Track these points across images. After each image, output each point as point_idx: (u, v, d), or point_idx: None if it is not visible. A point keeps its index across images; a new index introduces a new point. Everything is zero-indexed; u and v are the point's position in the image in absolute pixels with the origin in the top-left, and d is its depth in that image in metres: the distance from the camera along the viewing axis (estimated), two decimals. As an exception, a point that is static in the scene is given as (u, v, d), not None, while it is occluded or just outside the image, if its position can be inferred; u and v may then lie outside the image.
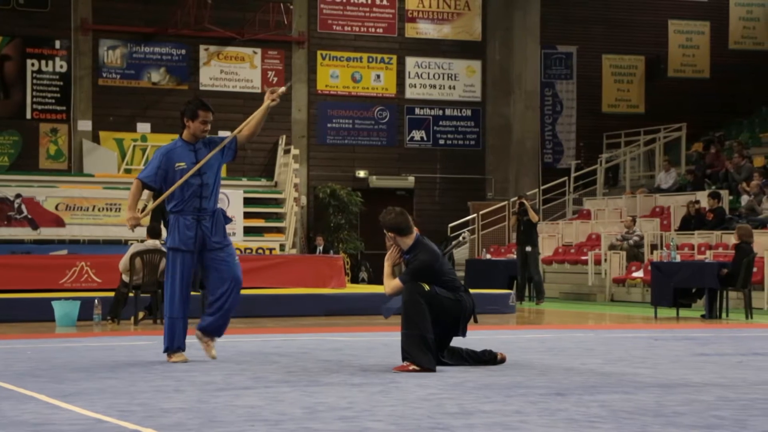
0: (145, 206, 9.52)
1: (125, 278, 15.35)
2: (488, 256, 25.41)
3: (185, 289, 9.21)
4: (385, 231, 8.81)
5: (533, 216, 21.82)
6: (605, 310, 20.50)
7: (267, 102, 9.34)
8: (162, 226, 21.78)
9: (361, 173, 29.08)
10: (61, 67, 26.92)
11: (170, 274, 9.25)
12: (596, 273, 23.78)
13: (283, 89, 9.45)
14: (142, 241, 16.23)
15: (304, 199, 28.21)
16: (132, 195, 9.36)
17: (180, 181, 9.11)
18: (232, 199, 24.43)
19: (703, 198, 24.09)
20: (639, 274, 22.38)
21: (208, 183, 9.20)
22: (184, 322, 9.24)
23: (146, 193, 9.77)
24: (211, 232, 9.19)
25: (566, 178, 29.47)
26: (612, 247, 23.72)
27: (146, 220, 17.77)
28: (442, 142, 29.89)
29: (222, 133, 28.58)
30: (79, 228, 24.88)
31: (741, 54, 32.37)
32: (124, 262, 15.36)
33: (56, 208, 24.77)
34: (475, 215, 28.53)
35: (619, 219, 25.59)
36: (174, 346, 9.23)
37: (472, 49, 30.08)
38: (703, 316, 16.88)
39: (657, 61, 31.62)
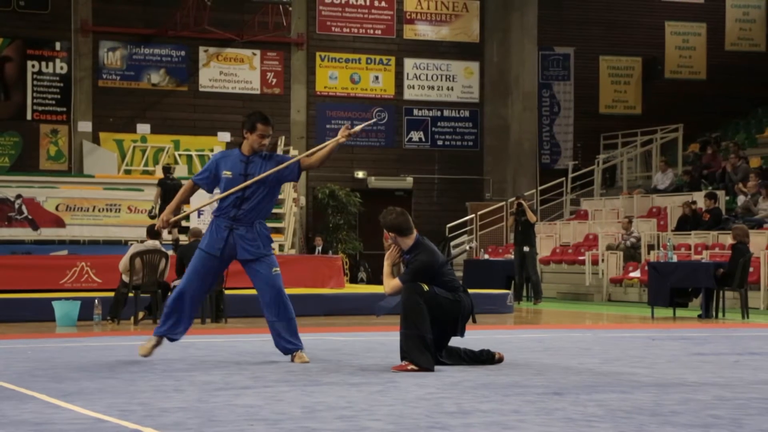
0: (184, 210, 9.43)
1: (125, 278, 15.35)
2: (486, 257, 25.42)
3: (193, 289, 9.15)
4: (385, 231, 8.81)
5: (531, 216, 21.82)
6: (602, 310, 20.51)
7: (339, 137, 9.18)
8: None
9: (360, 174, 29.09)
10: (62, 68, 26.93)
11: (187, 270, 9.31)
12: (593, 273, 23.79)
13: (359, 128, 9.34)
14: (142, 242, 16.23)
15: (303, 200, 28.22)
16: (179, 194, 9.37)
17: (217, 197, 9.10)
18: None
19: (699, 198, 24.10)
20: (636, 274, 22.39)
21: (249, 197, 9.04)
22: (178, 317, 9.18)
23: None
24: (245, 241, 9.05)
25: (564, 178, 29.49)
26: (609, 248, 23.73)
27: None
28: (440, 143, 29.90)
29: (220, 134, 28.78)
30: (79, 228, 24.87)
31: (737, 55, 32.40)
32: (124, 262, 15.36)
33: (56, 208, 24.76)
34: (473, 216, 28.54)
35: (616, 219, 25.60)
36: (156, 331, 9.27)
37: (470, 51, 30.10)
38: (699, 316, 16.88)
39: (654, 62, 31.65)
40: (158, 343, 9.26)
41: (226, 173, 9.12)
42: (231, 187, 9.06)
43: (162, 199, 22.75)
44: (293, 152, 27.61)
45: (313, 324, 14.56)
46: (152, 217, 22.39)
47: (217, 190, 9.32)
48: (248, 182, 9.00)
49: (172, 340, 9.31)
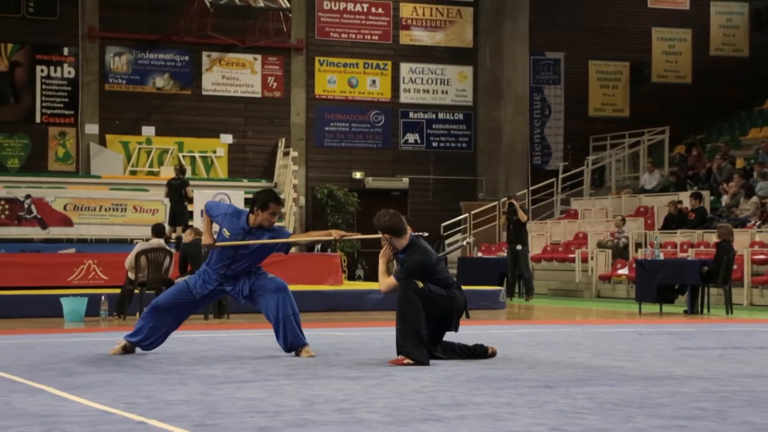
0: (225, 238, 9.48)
1: (131, 275, 15.34)
2: (479, 254, 25.40)
3: (169, 307, 9.25)
4: (380, 232, 8.79)
5: (522, 216, 21.81)
6: (592, 305, 20.51)
7: (334, 234, 9.30)
8: (180, 212, 21.99)
9: (358, 175, 29.08)
10: (69, 73, 26.90)
11: (171, 289, 9.50)
12: (583, 270, 23.79)
13: (352, 236, 9.59)
14: (147, 240, 16.21)
15: (302, 200, 28.21)
16: (206, 224, 9.54)
17: (229, 243, 9.19)
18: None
19: (685, 198, 24.11)
20: (624, 271, 22.38)
21: (240, 260, 9.20)
22: (146, 326, 9.25)
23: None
24: (235, 290, 9.26)
25: (554, 179, 29.49)
26: (600, 246, 23.68)
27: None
28: (435, 144, 29.89)
29: (223, 136, 28.76)
30: (86, 227, 24.88)
31: (721, 60, 32.41)
32: (129, 260, 15.35)
33: (64, 208, 24.76)
34: (466, 215, 28.54)
35: (605, 219, 25.60)
36: (128, 336, 9.34)
37: (464, 56, 30.09)
38: (685, 312, 16.90)
39: (641, 66, 31.65)
40: (127, 348, 9.32)
41: (226, 232, 9.27)
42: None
43: (169, 197, 22.87)
44: (293, 154, 27.63)
45: (313, 319, 14.55)
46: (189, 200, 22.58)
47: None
48: (246, 242, 9.15)
49: (141, 349, 9.38)
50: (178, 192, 22.60)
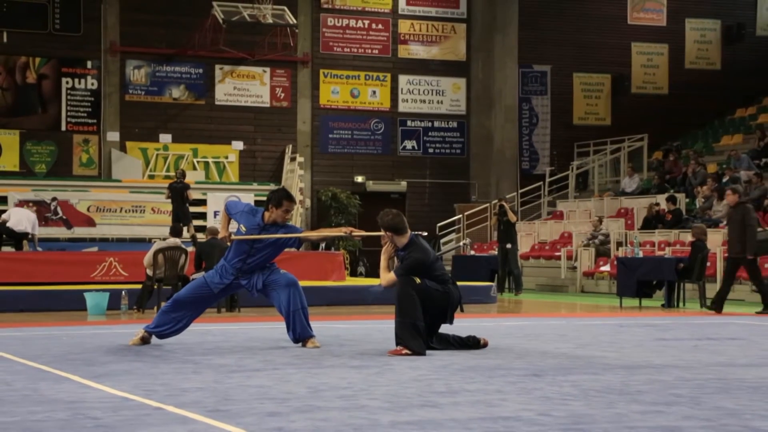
0: (239, 232, 9.44)
1: (149, 272, 15.34)
2: (472, 252, 25.39)
3: (188, 301, 9.24)
4: (382, 230, 8.80)
5: (512, 216, 21.80)
6: (576, 300, 20.50)
7: (343, 231, 9.36)
8: (184, 213, 21.79)
9: (359, 178, 29.07)
10: (92, 84, 26.91)
11: (190, 285, 9.48)
12: (568, 267, 23.76)
13: (361, 234, 9.60)
14: (165, 239, 16.20)
15: (308, 202, 28.20)
16: (222, 220, 9.56)
17: (245, 236, 9.17)
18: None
19: (662, 200, 24.09)
20: (606, 268, 22.37)
21: (255, 254, 9.16)
22: (167, 317, 9.23)
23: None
24: (250, 284, 9.22)
25: (541, 182, 29.49)
26: (587, 245, 23.65)
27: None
28: (431, 150, 29.89)
29: (234, 143, 28.71)
30: (108, 227, 24.89)
31: (695, 73, 32.41)
32: (148, 257, 15.34)
33: (88, 209, 24.78)
34: (460, 216, 28.54)
35: (589, 219, 25.59)
36: (147, 328, 9.32)
37: (458, 68, 30.09)
38: (663, 306, 16.89)
39: (621, 78, 31.65)
40: (145, 339, 9.30)
41: (242, 228, 9.26)
42: (240, 240, 9.22)
43: (171, 199, 22.38)
44: (299, 159, 27.63)
45: (317, 313, 14.53)
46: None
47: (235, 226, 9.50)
48: (260, 236, 9.12)
49: (159, 337, 9.36)
50: (179, 194, 22.35)
